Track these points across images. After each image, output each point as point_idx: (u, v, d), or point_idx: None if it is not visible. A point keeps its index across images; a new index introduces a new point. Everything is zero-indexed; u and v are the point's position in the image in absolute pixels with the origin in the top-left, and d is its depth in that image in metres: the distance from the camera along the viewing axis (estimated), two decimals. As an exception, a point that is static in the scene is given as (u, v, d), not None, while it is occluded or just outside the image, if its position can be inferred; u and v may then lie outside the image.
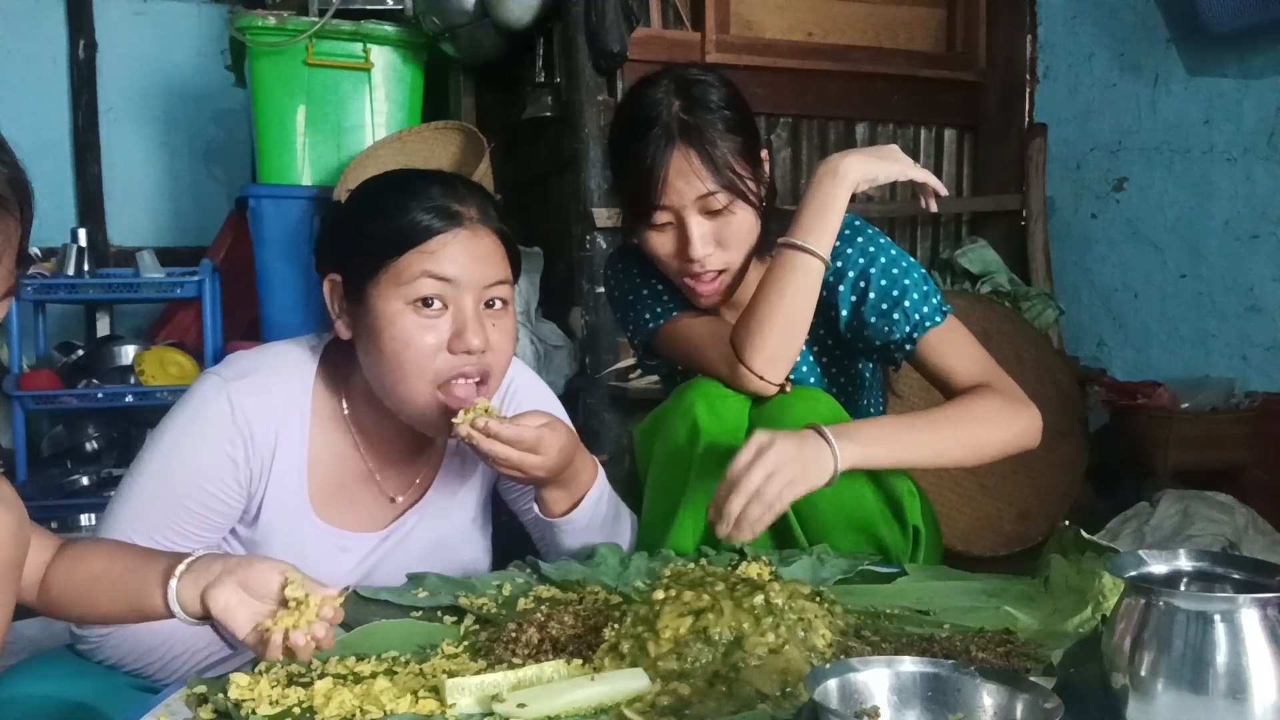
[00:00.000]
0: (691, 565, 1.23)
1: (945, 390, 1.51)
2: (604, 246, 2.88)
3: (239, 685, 0.93)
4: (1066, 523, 1.19)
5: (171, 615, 0.98)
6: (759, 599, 0.99)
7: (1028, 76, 3.45)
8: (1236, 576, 0.87)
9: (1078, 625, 1.07)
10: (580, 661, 1.00)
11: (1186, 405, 2.72)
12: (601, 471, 1.43)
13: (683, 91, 1.48)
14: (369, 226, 1.27)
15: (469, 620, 1.18)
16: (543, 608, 1.15)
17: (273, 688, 0.94)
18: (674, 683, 0.93)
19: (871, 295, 1.50)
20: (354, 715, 0.90)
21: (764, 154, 1.54)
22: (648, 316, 1.61)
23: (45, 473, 3.74)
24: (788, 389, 1.46)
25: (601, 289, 2.61)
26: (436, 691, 0.93)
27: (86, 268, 3.77)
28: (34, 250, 3.78)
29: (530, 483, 1.36)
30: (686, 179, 1.45)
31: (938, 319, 1.49)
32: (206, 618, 0.97)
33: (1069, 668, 0.96)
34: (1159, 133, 3.03)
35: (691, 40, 3.12)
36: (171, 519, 1.25)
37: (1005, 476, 2.62)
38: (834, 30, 3.37)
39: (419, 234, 1.24)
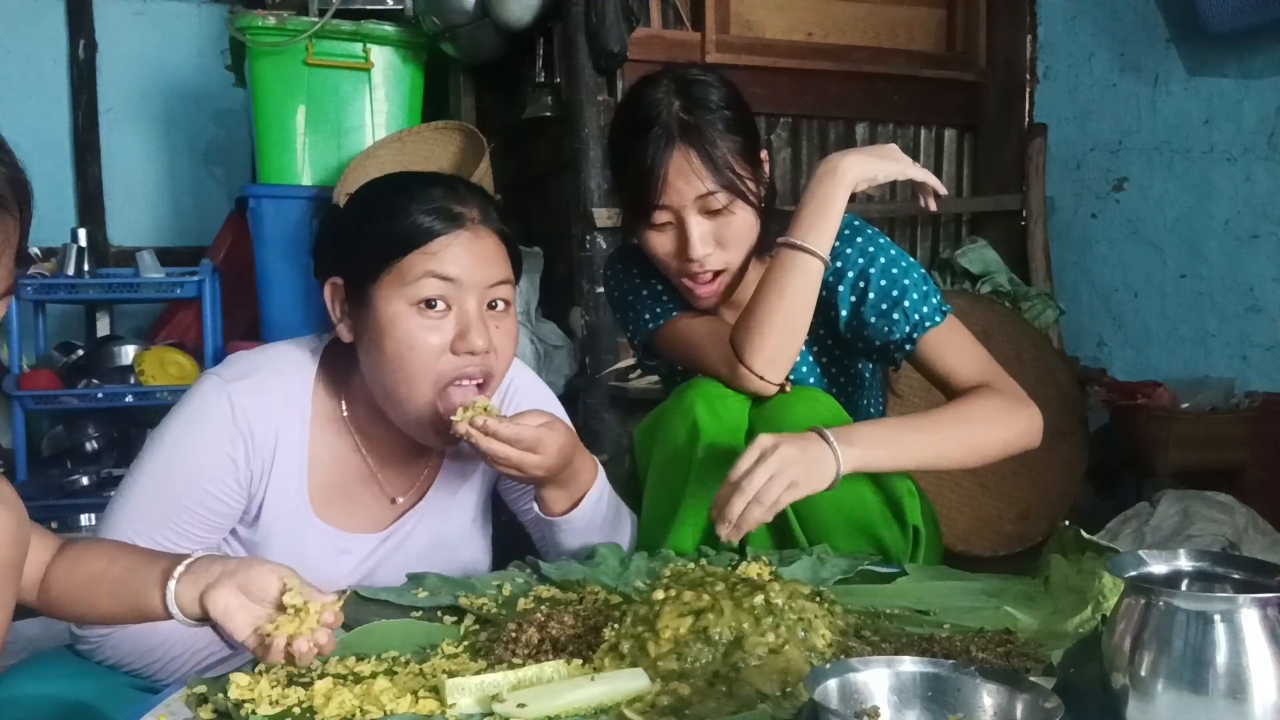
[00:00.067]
0: (691, 565, 1.23)
1: (945, 390, 1.51)
2: (604, 246, 2.88)
3: (239, 685, 0.93)
4: (1066, 523, 1.19)
5: (170, 617, 0.98)
6: (759, 599, 0.99)
7: (1028, 76, 3.45)
8: (1236, 576, 0.87)
9: (1078, 625, 1.07)
10: (580, 661, 1.00)
11: (1186, 405, 2.72)
12: (601, 471, 1.43)
13: (683, 91, 1.48)
14: (371, 229, 1.27)
15: (469, 620, 1.18)
16: (543, 608, 1.15)
17: (273, 688, 0.94)
18: (674, 683, 0.93)
19: (871, 295, 1.50)
20: (354, 715, 0.90)
21: (764, 154, 1.54)
22: (647, 317, 1.61)
23: (45, 473, 3.74)
24: (788, 389, 1.46)
25: (601, 289, 2.60)
26: (436, 691, 0.93)
27: (86, 268, 3.77)
28: (34, 250, 3.78)
29: (529, 482, 1.36)
30: (686, 179, 1.45)
31: (938, 319, 1.49)
32: (205, 619, 0.97)
33: (1069, 668, 0.96)
34: (1159, 133, 3.04)
35: (691, 40, 3.12)
36: (171, 519, 1.24)
37: (1005, 476, 2.62)
38: (834, 30, 3.37)
39: (421, 235, 1.24)
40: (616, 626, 1.01)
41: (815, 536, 1.42)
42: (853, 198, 1.48)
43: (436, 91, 3.67)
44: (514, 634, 1.06)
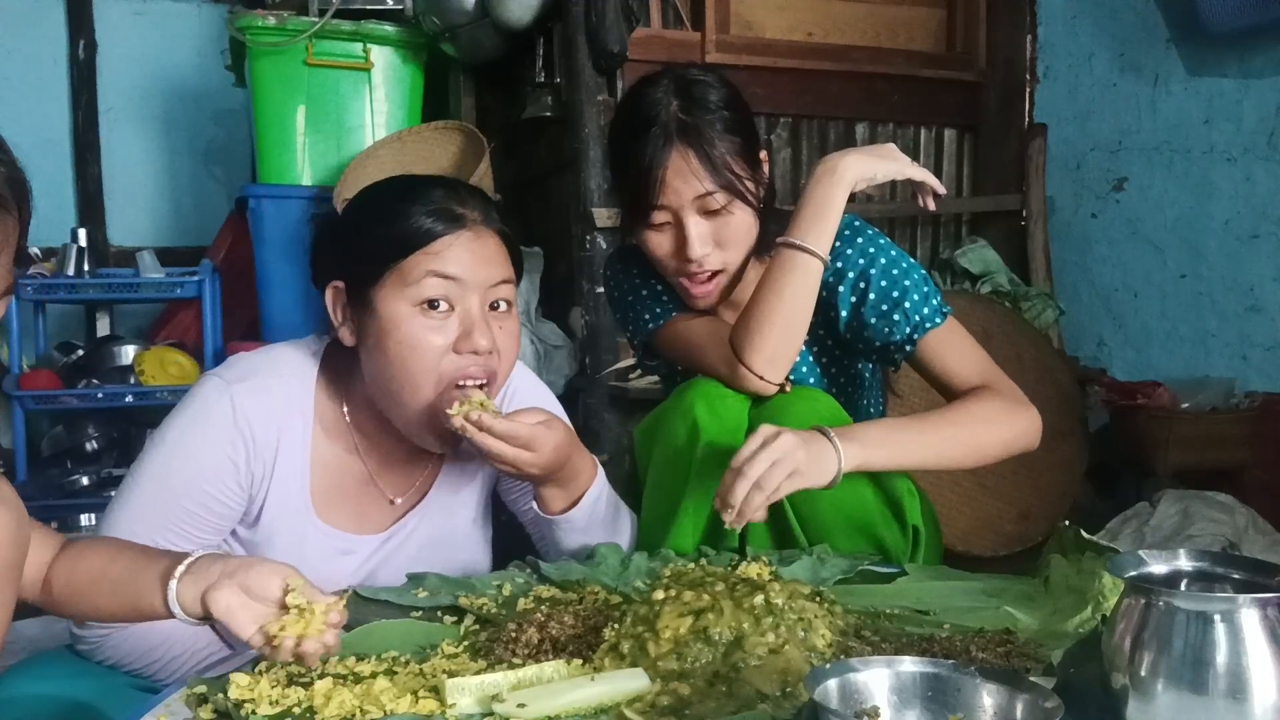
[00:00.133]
0: (691, 565, 1.23)
1: (944, 392, 1.51)
2: (604, 246, 2.88)
3: (239, 685, 0.93)
4: (1066, 523, 1.19)
5: (172, 616, 0.98)
6: (759, 599, 0.99)
7: (1028, 76, 3.45)
8: (1236, 576, 0.87)
9: (1078, 625, 1.07)
10: (580, 661, 1.00)
11: (1186, 405, 2.72)
12: (601, 471, 1.43)
13: (682, 91, 1.48)
14: (372, 231, 1.27)
15: (469, 620, 1.18)
16: (543, 608, 1.15)
17: (273, 688, 0.94)
18: (674, 683, 0.93)
19: (871, 296, 1.50)
20: (354, 715, 0.90)
21: (763, 154, 1.54)
22: (647, 317, 1.61)
23: (45, 473, 3.74)
24: (787, 389, 1.46)
25: (601, 289, 2.61)
26: (436, 691, 0.93)
27: (86, 268, 3.77)
28: (34, 250, 3.78)
29: (526, 480, 1.36)
30: (684, 179, 1.45)
31: (938, 320, 1.49)
32: (207, 618, 0.97)
33: (1069, 668, 0.96)
34: (1159, 133, 3.04)
35: (691, 40, 3.12)
36: (171, 520, 1.24)
37: (1005, 476, 2.62)
38: (834, 30, 3.37)
39: (423, 236, 1.25)
40: (616, 626, 1.01)
41: (815, 536, 1.42)
42: (852, 198, 1.48)
43: (436, 91, 3.67)
44: (514, 634, 1.06)
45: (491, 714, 0.89)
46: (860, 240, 1.53)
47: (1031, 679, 0.82)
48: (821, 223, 1.44)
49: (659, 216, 1.48)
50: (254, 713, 0.90)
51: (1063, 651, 1.00)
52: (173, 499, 1.25)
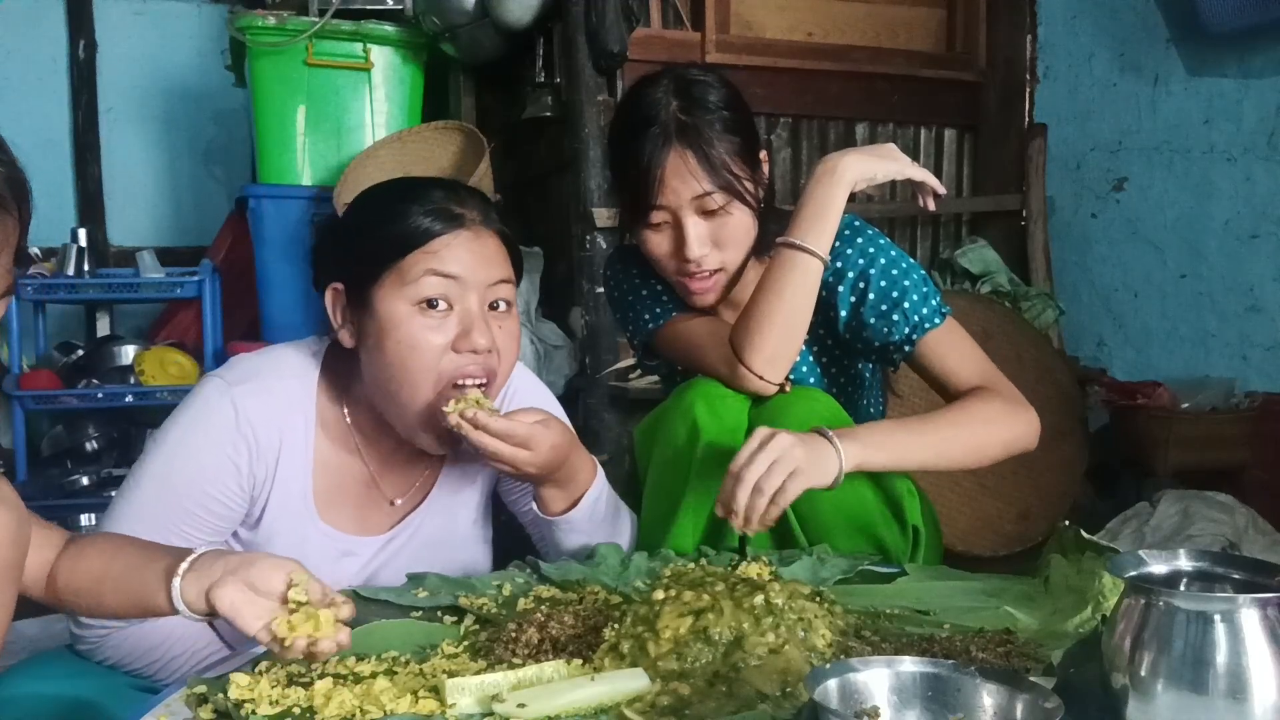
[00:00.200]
0: (691, 565, 1.23)
1: (943, 392, 1.51)
2: (604, 246, 2.88)
3: (239, 685, 0.93)
4: (1066, 523, 1.19)
5: (176, 612, 0.98)
6: (759, 599, 0.99)
7: (1028, 76, 3.45)
8: (1236, 576, 0.87)
9: (1078, 625, 1.07)
10: (580, 661, 1.00)
11: (1186, 405, 2.72)
12: (601, 471, 1.43)
13: (681, 91, 1.48)
14: (371, 232, 1.28)
15: (469, 620, 1.18)
16: (543, 608, 1.15)
17: (273, 688, 0.94)
18: (674, 683, 0.93)
19: (871, 296, 1.50)
20: (354, 715, 0.90)
21: (763, 154, 1.54)
22: (647, 317, 1.61)
23: (45, 473, 3.74)
24: (787, 389, 1.46)
25: (601, 289, 2.61)
26: (436, 691, 0.93)
27: (86, 268, 3.76)
28: (34, 250, 3.78)
29: (524, 479, 1.36)
30: (683, 179, 1.45)
31: (937, 320, 1.49)
32: (211, 615, 0.97)
33: (1069, 668, 0.96)
34: (1159, 133, 3.04)
35: (691, 40, 3.12)
36: (172, 521, 1.24)
37: (1005, 476, 2.62)
38: (834, 30, 3.37)
39: (421, 235, 1.25)
40: (616, 626, 1.01)
41: (815, 536, 1.42)
42: (852, 197, 1.48)
43: (436, 91, 3.67)
44: (514, 634, 1.06)
45: (491, 714, 0.89)
46: (860, 240, 1.53)
47: (1031, 679, 0.82)
48: (821, 223, 1.44)
49: (657, 216, 1.48)
50: (254, 713, 0.90)
51: (1063, 651, 1.00)
52: (174, 500, 1.25)
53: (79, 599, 1.05)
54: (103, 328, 4.30)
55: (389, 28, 3.42)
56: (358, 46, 3.40)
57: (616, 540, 1.43)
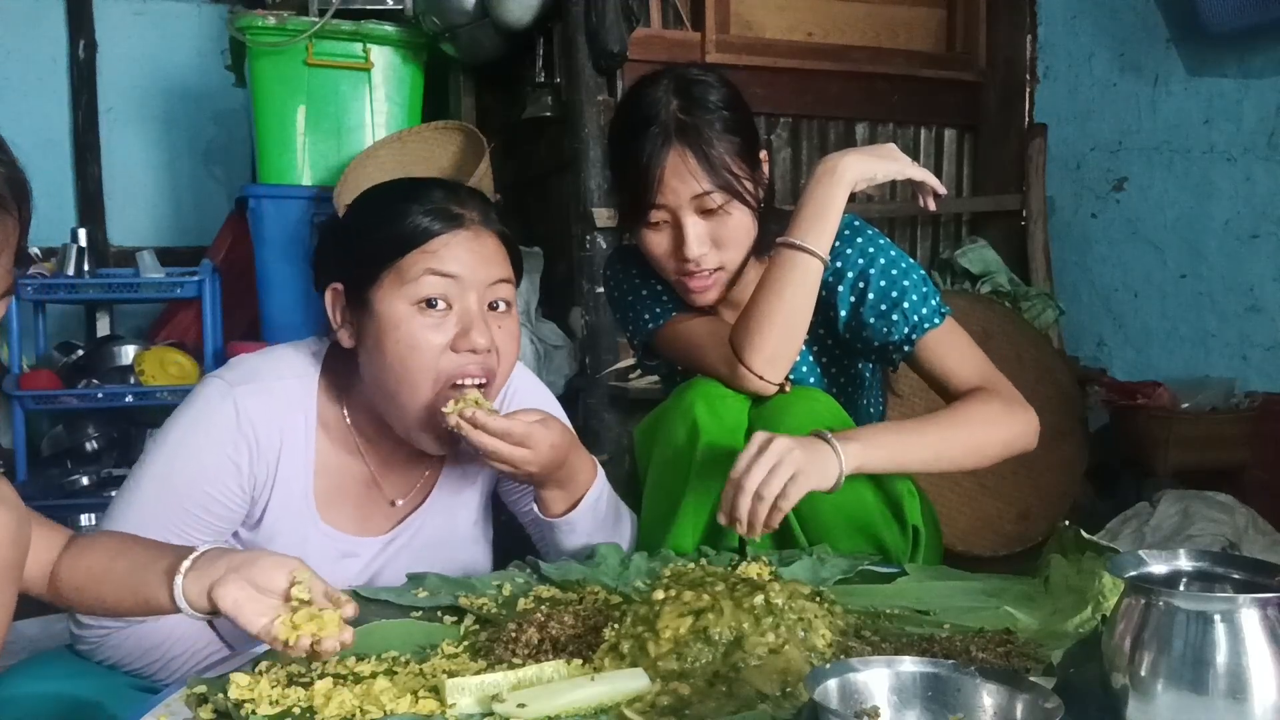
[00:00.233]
0: (691, 565, 1.23)
1: (943, 392, 1.51)
2: (604, 246, 2.88)
3: (239, 685, 0.93)
4: (1066, 523, 1.19)
5: (178, 611, 0.98)
6: (759, 599, 0.99)
7: (1028, 76, 3.45)
8: (1236, 576, 0.87)
9: (1078, 625, 1.07)
10: (580, 661, 1.00)
11: (1186, 405, 2.72)
12: (601, 472, 1.43)
13: (681, 91, 1.48)
14: (371, 232, 1.28)
15: (469, 620, 1.18)
16: (543, 608, 1.15)
17: (273, 688, 0.93)
18: (674, 683, 0.93)
19: (870, 296, 1.50)
20: (354, 715, 0.90)
21: (763, 154, 1.54)
22: (647, 317, 1.61)
23: (45, 473, 3.74)
24: (787, 389, 1.46)
25: (601, 289, 2.61)
26: (436, 691, 0.93)
27: (86, 268, 3.76)
28: (34, 250, 3.78)
29: (523, 479, 1.35)
30: (682, 178, 1.45)
31: (936, 321, 1.49)
32: (213, 613, 0.97)
33: (1069, 668, 0.96)
34: (1159, 133, 3.04)
35: (691, 40, 3.12)
36: (173, 521, 1.24)
37: (1005, 476, 2.62)
38: (834, 30, 3.37)
39: (421, 235, 1.25)
40: (616, 626, 1.01)
41: (815, 537, 1.42)
42: (852, 197, 1.48)
43: (436, 91, 3.67)
44: (514, 634, 1.06)
45: (491, 714, 0.89)
46: (860, 240, 1.53)
47: (1031, 679, 0.82)
48: (821, 223, 1.44)
49: (657, 216, 1.48)
50: (254, 713, 0.90)
51: (1063, 651, 1.00)
52: (174, 500, 1.25)
53: (81, 597, 1.06)
54: (103, 328, 4.30)
55: (389, 28, 3.42)
56: (358, 46, 3.40)
57: (617, 540, 1.43)
